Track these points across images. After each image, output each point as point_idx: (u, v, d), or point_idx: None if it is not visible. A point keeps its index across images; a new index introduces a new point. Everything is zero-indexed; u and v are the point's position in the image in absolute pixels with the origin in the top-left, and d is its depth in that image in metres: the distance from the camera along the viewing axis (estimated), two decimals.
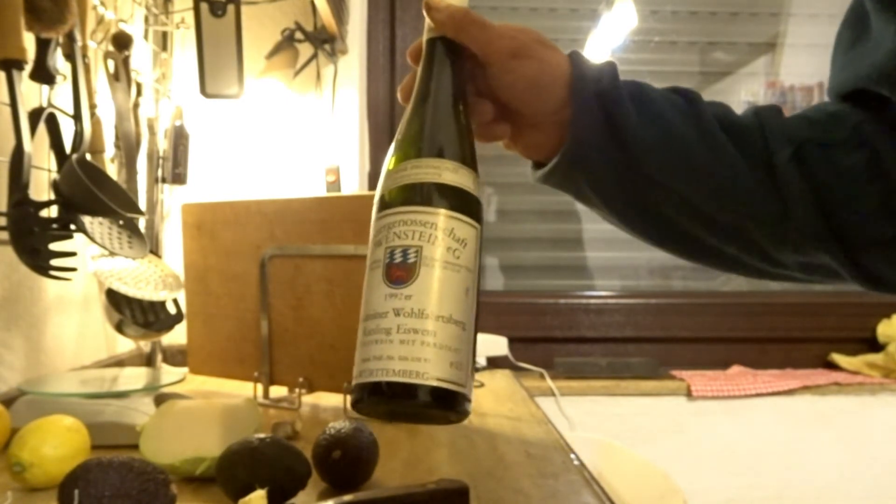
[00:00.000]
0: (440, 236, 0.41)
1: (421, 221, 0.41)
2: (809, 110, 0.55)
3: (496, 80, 0.49)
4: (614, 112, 0.49)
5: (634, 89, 0.50)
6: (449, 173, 0.42)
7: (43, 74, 0.83)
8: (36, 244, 0.78)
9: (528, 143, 0.53)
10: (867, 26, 0.53)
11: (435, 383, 0.39)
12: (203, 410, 0.72)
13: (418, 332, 0.39)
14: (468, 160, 0.44)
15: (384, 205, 0.43)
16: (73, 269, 0.80)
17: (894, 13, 0.49)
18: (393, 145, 0.46)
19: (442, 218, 0.41)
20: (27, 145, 0.78)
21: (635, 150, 0.49)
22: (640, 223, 0.54)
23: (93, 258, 1.03)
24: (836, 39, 0.57)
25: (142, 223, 1.07)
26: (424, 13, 0.48)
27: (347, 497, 0.56)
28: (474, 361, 0.42)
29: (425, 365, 0.39)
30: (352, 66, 1.53)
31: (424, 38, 0.49)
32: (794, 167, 0.50)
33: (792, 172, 0.50)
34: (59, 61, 0.86)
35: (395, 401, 0.39)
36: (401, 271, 0.40)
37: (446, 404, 0.39)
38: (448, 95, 0.46)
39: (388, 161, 0.45)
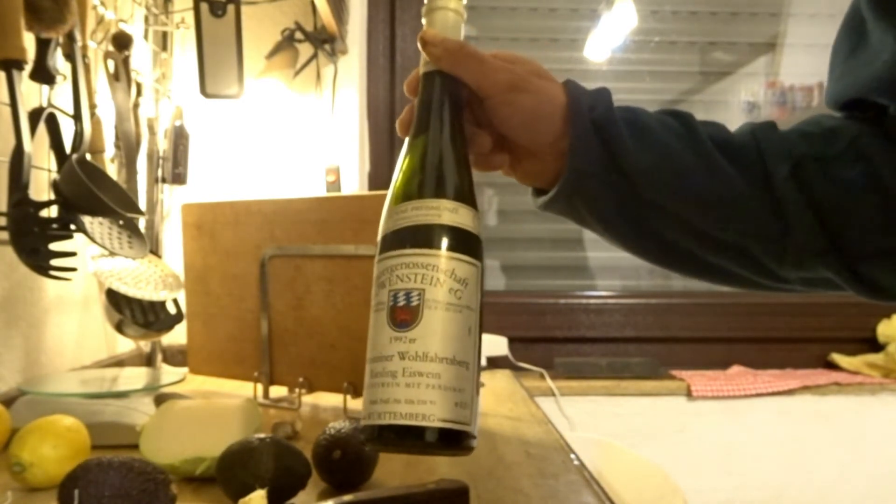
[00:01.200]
0: (442, 278, 0.42)
1: (423, 264, 0.42)
2: (805, 124, 0.55)
3: (494, 112, 0.49)
4: (611, 140, 0.49)
5: (629, 116, 0.51)
6: (449, 213, 0.43)
7: (43, 74, 0.83)
8: (36, 244, 0.79)
9: (526, 172, 0.53)
10: (865, 34, 0.53)
11: (440, 424, 0.40)
12: (203, 410, 0.72)
13: (423, 374, 0.40)
14: (467, 197, 0.45)
15: (386, 246, 0.44)
16: (73, 269, 0.80)
17: (892, 22, 0.49)
18: (393, 181, 0.46)
19: (443, 260, 0.42)
20: (27, 145, 0.78)
21: (634, 175, 0.49)
22: (643, 246, 0.54)
23: (93, 258, 1.03)
24: (833, 47, 0.57)
25: (142, 223, 1.07)
26: (420, 47, 0.48)
27: (347, 497, 0.56)
28: (478, 396, 0.43)
29: (431, 407, 0.40)
30: (352, 66, 1.53)
31: (421, 70, 0.49)
32: (792, 184, 0.51)
33: (791, 189, 0.50)
34: (59, 61, 0.86)
35: (403, 442, 0.41)
36: (405, 314, 0.41)
37: (451, 444, 0.41)
38: (447, 131, 0.46)
39: (389, 198, 0.46)
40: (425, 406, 0.40)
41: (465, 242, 0.43)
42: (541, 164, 0.52)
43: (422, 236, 0.43)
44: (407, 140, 0.48)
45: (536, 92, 0.49)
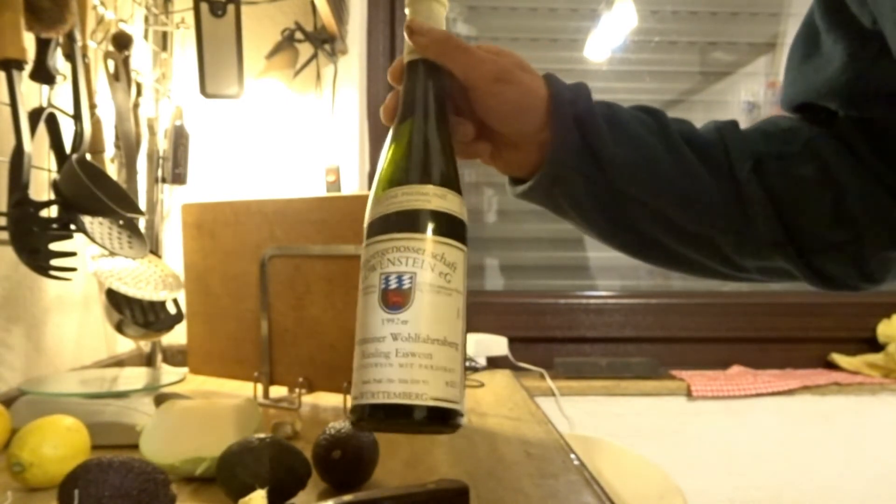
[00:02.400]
0: (433, 262, 0.43)
1: (413, 248, 0.43)
2: (764, 124, 0.59)
3: (479, 103, 0.50)
4: (591, 134, 0.51)
5: (607, 111, 0.53)
6: (438, 199, 0.44)
7: (43, 74, 0.83)
8: (36, 244, 0.78)
9: (507, 161, 0.55)
10: (818, 43, 0.56)
11: (432, 403, 0.41)
12: (203, 410, 0.72)
13: (416, 355, 0.41)
14: (453, 184, 0.46)
15: (376, 230, 0.45)
16: (73, 269, 0.80)
17: (842, 33, 0.53)
18: (380, 168, 0.47)
19: (433, 244, 0.43)
20: (27, 145, 0.78)
21: (610, 168, 0.52)
22: (616, 235, 0.57)
23: (93, 258, 1.03)
24: (788, 53, 0.61)
25: (142, 223, 1.07)
26: (406, 36, 0.49)
27: (347, 497, 0.56)
28: (465, 377, 0.44)
29: (423, 386, 0.41)
30: (352, 66, 1.53)
31: (406, 59, 0.50)
32: (754, 179, 0.54)
33: (753, 184, 0.54)
34: (59, 61, 0.86)
35: (396, 420, 0.41)
36: (396, 297, 0.42)
37: (442, 421, 0.42)
38: (432, 118, 0.47)
39: (376, 185, 0.46)
40: (418, 385, 0.41)
41: (453, 227, 0.44)
42: (521, 154, 0.53)
43: (412, 221, 0.44)
44: (392, 127, 0.49)
45: (521, 84, 0.50)
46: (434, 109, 0.48)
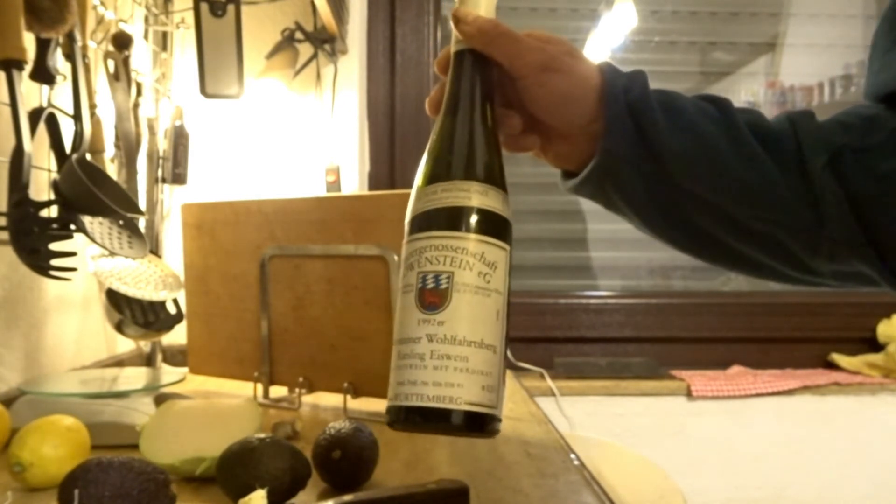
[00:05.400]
0: (471, 261, 0.42)
1: (452, 247, 0.42)
2: (843, 114, 0.54)
3: (527, 93, 0.48)
4: (645, 122, 0.48)
5: (664, 99, 0.50)
6: (479, 196, 0.43)
7: (43, 74, 0.83)
8: (36, 244, 0.79)
9: (557, 154, 0.53)
10: None
11: (467, 407, 0.40)
12: (203, 410, 0.72)
13: (451, 357, 0.40)
14: (497, 180, 0.44)
15: (415, 227, 0.44)
16: (73, 269, 0.80)
17: None
18: (423, 160, 0.46)
19: (472, 243, 0.42)
20: (27, 145, 0.78)
21: (667, 160, 0.48)
22: (673, 233, 0.53)
23: (93, 258, 1.03)
24: (873, 40, 0.57)
25: (142, 223, 1.07)
26: (452, 25, 0.47)
27: (347, 497, 0.56)
28: (503, 380, 0.43)
29: (458, 390, 0.40)
30: (352, 66, 1.53)
31: (452, 49, 0.48)
32: (829, 174, 0.49)
33: (827, 179, 0.49)
34: (59, 61, 0.86)
35: (430, 424, 0.41)
36: (433, 297, 0.41)
37: (477, 427, 0.41)
38: (478, 111, 0.46)
39: (419, 178, 0.45)
40: (453, 389, 0.40)
41: (495, 225, 0.44)
42: (572, 147, 0.51)
43: (451, 219, 0.43)
44: (437, 120, 0.47)
45: (570, 73, 0.48)
46: (479, 101, 0.46)
